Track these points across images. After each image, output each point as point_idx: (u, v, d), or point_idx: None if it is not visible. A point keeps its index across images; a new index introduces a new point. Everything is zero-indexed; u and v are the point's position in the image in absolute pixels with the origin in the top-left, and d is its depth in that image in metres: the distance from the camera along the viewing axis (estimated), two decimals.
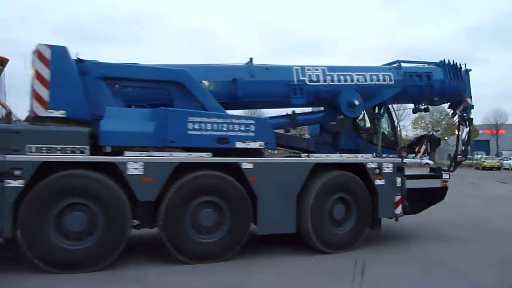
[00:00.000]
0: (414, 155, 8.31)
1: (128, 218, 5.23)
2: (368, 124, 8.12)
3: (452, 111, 8.73)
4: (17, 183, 4.73)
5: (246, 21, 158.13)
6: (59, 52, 5.29)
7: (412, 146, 8.36)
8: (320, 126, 7.92)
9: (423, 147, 8.17)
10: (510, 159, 41.43)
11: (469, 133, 8.25)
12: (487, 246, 7.01)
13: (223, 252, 5.66)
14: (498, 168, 38.32)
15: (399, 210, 6.86)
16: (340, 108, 7.02)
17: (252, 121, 6.05)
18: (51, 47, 5.24)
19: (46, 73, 5.18)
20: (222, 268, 5.45)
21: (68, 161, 5.02)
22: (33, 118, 5.31)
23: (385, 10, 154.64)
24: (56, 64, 5.22)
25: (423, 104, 8.29)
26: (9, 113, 6.49)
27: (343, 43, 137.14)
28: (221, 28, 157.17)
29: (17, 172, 4.73)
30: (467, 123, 8.15)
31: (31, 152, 4.89)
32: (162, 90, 6.11)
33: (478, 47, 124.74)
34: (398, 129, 9.24)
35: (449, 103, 8.67)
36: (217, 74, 6.56)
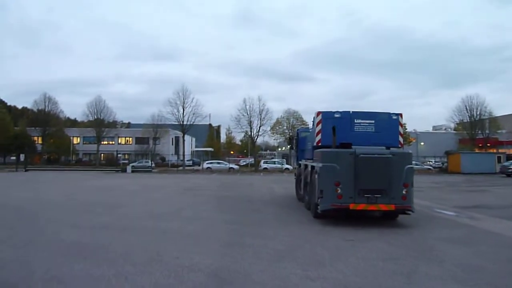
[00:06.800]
0: None
1: None
2: None
3: None
4: None
5: (99, 21, 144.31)
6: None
7: None
8: None
9: None
10: None
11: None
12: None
13: None
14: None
15: None
16: None
17: None
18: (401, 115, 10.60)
19: None
20: None
21: None
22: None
23: (238, 29, 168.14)
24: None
25: None
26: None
27: (196, 55, 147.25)
28: (68, 25, 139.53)
29: None
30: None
31: None
32: None
33: (313, 67, 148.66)
34: None
35: None
36: None
